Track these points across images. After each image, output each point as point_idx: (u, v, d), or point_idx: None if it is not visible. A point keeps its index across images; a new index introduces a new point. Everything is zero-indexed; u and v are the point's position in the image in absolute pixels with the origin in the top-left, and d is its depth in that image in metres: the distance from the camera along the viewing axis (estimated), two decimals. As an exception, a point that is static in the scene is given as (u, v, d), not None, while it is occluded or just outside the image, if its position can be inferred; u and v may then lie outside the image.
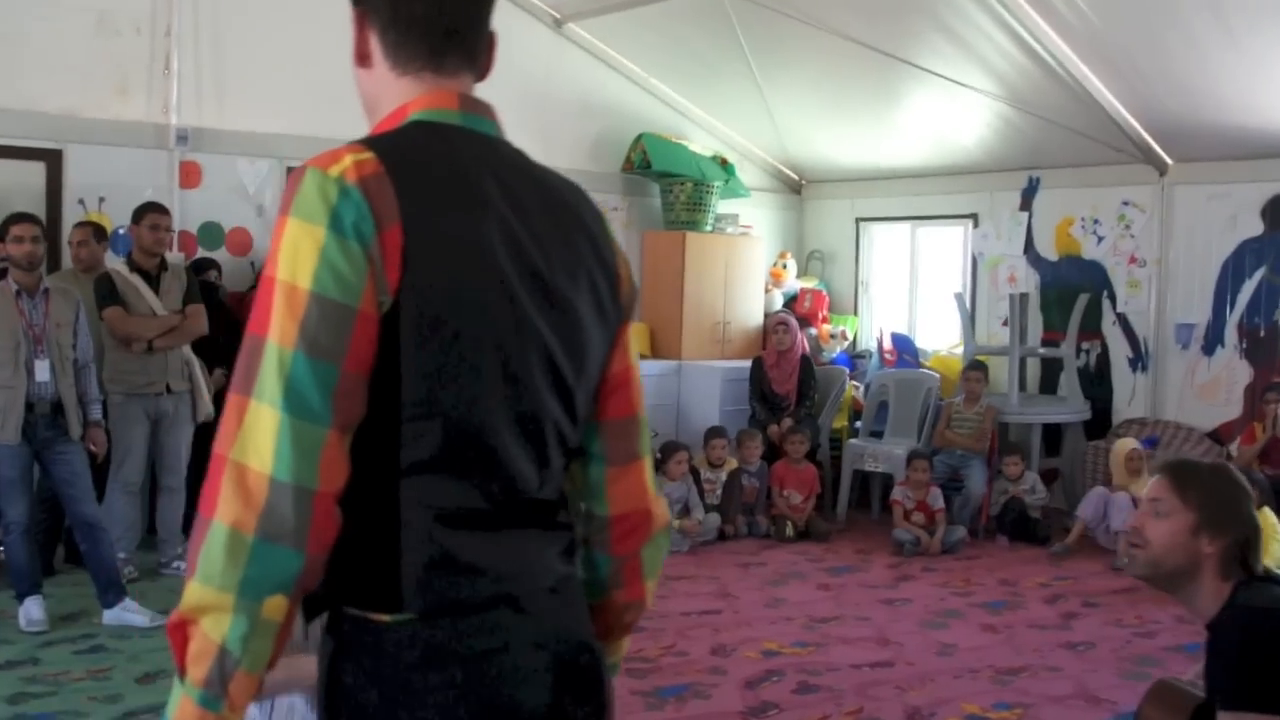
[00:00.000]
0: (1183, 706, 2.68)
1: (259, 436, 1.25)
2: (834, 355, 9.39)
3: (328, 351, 1.27)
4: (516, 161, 1.50)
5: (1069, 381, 8.25)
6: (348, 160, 1.33)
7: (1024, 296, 8.38)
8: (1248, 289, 7.66)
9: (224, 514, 1.24)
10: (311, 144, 7.27)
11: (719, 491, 7.59)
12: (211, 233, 7.12)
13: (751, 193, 9.56)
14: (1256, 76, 6.60)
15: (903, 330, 9.55)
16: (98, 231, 6.24)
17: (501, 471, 1.40)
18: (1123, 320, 8.25)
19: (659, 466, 6.92)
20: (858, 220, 9.90)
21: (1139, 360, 8.19)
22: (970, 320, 8.67)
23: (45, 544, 5.84)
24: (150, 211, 6.04)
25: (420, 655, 1.33)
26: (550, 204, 1.49)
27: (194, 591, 1.25)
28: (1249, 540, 2.53)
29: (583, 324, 1.48)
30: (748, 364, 8.58)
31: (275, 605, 1.25)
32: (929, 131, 8.56)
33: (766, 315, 9.33)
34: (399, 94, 1.48)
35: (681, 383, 8.84)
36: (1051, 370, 8.61)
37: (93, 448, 5.42)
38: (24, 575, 5.21)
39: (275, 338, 1.27)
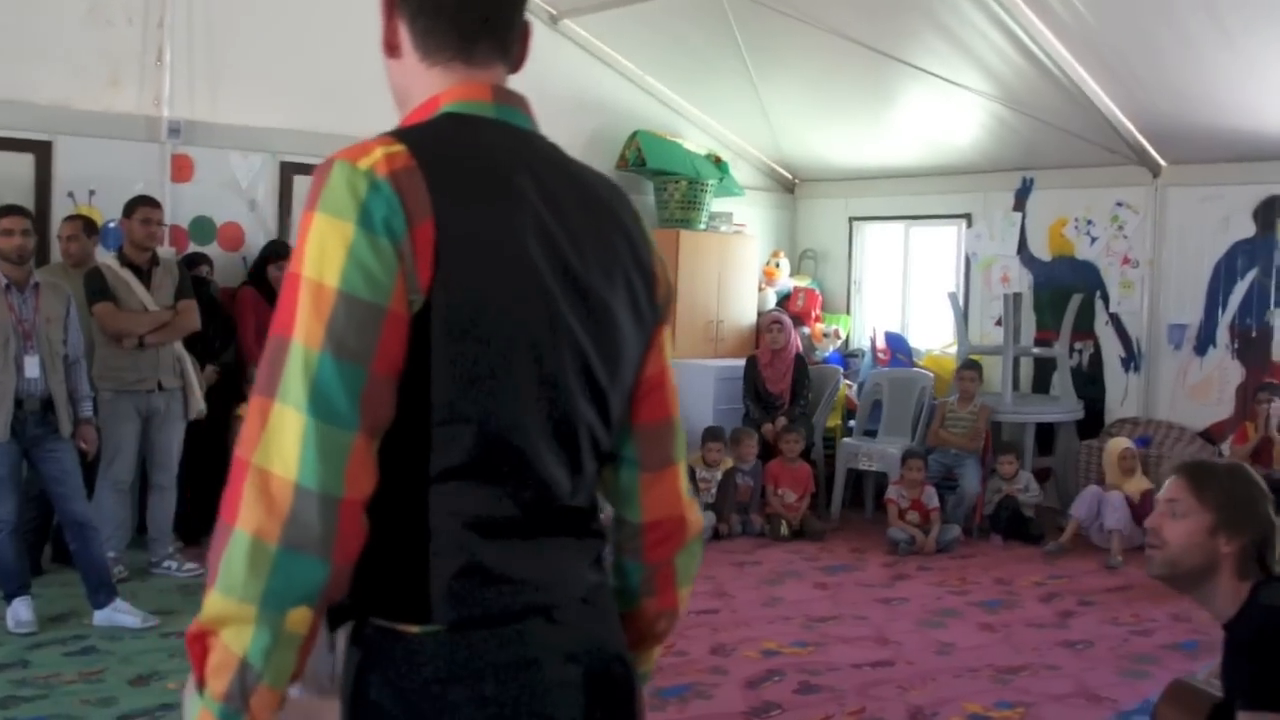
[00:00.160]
0: (1199, 707, 2.67)
1: (283, 441, 1.20)
2: (827, 354, 9.37)
3: (356, 353, 1.22)
4: (551, 155, 1.44)
5: (1062, 381, 8.25)
6: (378, 153, 1.27)
7: (1017, 296, 8.38)
8: (1239, 290, 7.68)
9: (246, 521, 1.19)
10: (305, 138, 7.30)
11: (714, 490, 7.57)
12: (203, 227, 7.04)
13: (745, 191, 9.53)
14: (1251, 78, 6.61)
15: (896, 329, 9.54)
16: (88, 225, 6.16)
17: (534, 478, 1.34)
18: (1115, 320, 8.26)
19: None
20: (851, 219, 9.89)
21: (1131, 360, 8.20)
22: (964, 320, 8.66)
23: (33, 543, 5.77)
24: (142, 205, 5.96)
25: (450, 668, 1.29)
26: (586, 200, 1.43)
27: (214, 602, 1.20)
28: (1267, 540, 2.52)
29: (618, 325, 1.43)
30: (741, 363, 8.55)
31: (299, 617, 1.20)
32: (923, 131, 8.55)
33: (760, 314, 9.31)
34: (429, 85, 1.43)
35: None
36: (1044, 370, 8.61)
37: (83, 445, 5.34)
38: (12, 575, 5.12)
39: (301, 338, 1.22)
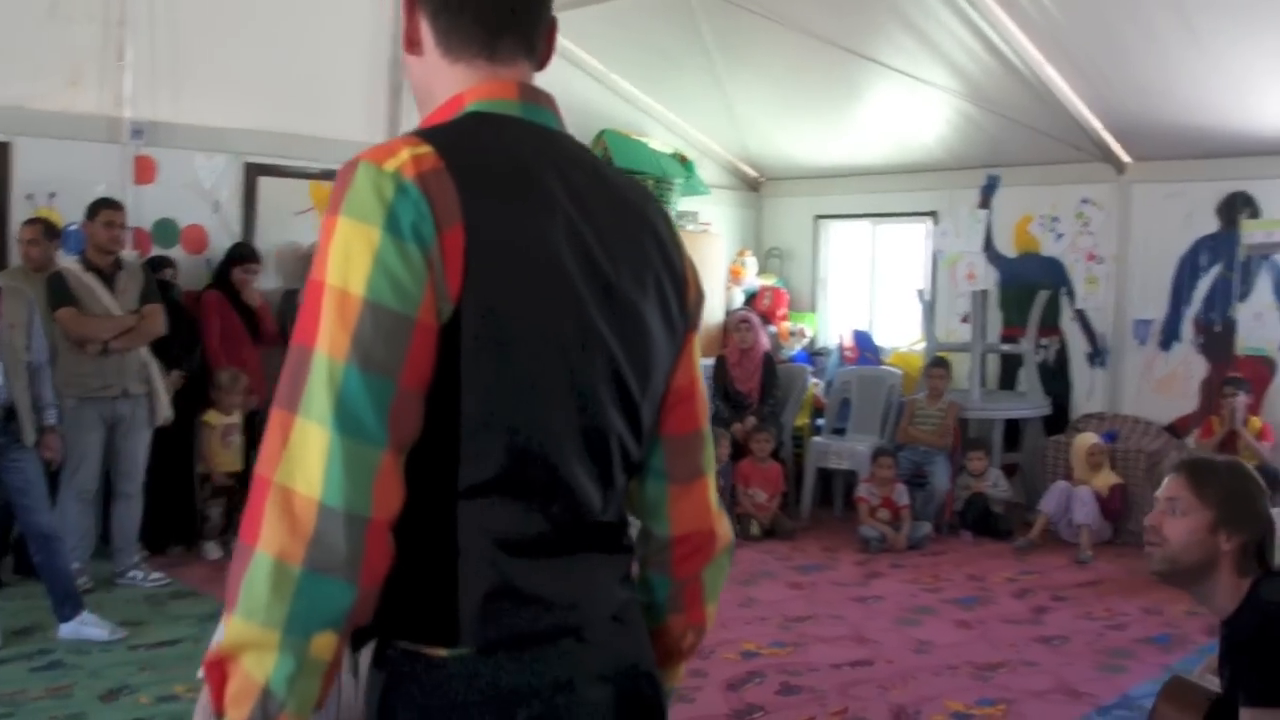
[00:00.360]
0: (1199, 703, 2.67)
1: (307, 458, 1.15)
2: (793, 353, 9.37)
3: (383, 365, 1.16)
4: (580, 156, 1.39)
5: (1029, 377, 8.30)
6: (405, 154, 1.22)
7: (984, 293, 8.42)
8: (1203, 285, 7.77)
9: (268, 543, 1.14)
10: (270, 139, 7.20)
11: (684, 490, 7.52)
12: (166, 230, 6.91)
13: (711, 190, 9.51)
14: (1215, 75, 6.67)
15: (862, 327, 9.56)
16: (49, 229, 6.01)
17: (565, 493, 1.30)
18: (1081, 316, 8.33)
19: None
20: (816, 218, 9.91)
21: (1097, 355, 8.26)
22: (931, 317, 8.70)
23: (-5, 554, 5.65)
24: (105, 208, 5.85)
25: (481, 692, 1.24)
26: (616, 202, 1.39)
27: (235, 627, 1.14)
28: (1266, 536, 2.53)
29: (650, 333, 1.38)
30: (708, 362, 8.52)
31: (324, 643, 1.15)
32: (889, 129, 8.57)
33: (727, 313, 9.30)
34: (453, 83, 1.37)
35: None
36: (1010, 366, 8.67)
37: (48, 454, 5.22)
38: (-25, 587, 5.02)
39: (325, 349, 1.16)
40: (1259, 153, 7.25)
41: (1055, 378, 8.39)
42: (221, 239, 7.08)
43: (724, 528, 1.55)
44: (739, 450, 7.91)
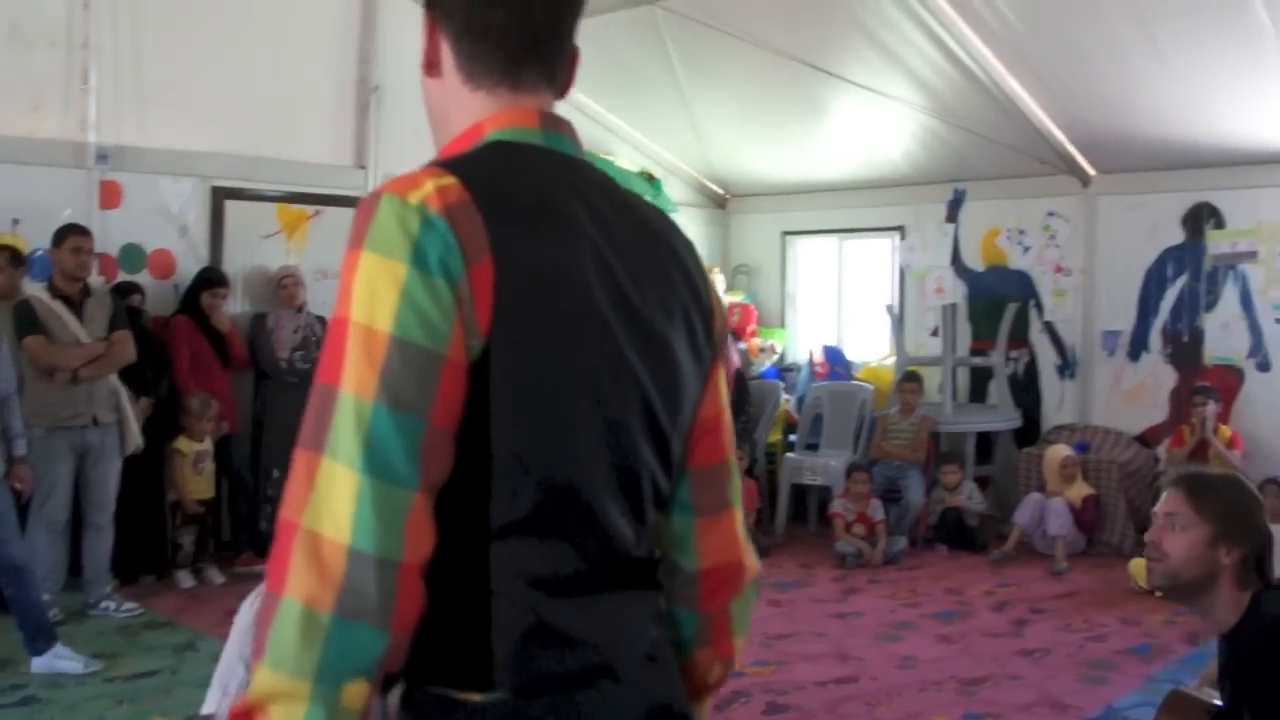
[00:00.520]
0: (1199, 717, 2.67)
1: (334, 500, 1.11)
2: (764, 369, 9.38)
3: (412, 404, 1.13)
4: (603, 185, 1.36)
5: (999, 390, 8.35)
6: (429, 186, 1.19)
7: (953, 307, 8.47)
8: (1170, 296, 7.86)
9: (296, 589, 1.09)
10: (237, 162, 7.14)
11: (660, 509, 7.50)
12: (133, 255, 6.82)
13: (678, 208, 9.48)
14: (1178, 87, 6.76)
15: (831, 343, 9.59)
16: (14, 256, 5.92)
17: (599, 530, 1.26)
18: (1050, 328, 8.40)
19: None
20: (784, 234, 9.94)
21: (1066, 367, 8.33)
22: (900, 331, 8.74)
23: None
24: (71, 234, 5.77)
25: None
26: (641, 231, 1.36)
27: (263, 677, 1.10)
28: (1265, 549, 2.54)
29: (679, 365, 1.35)
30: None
31: (355, 692, 1.11)
32: (855, 145, 8.62)
33: (697, 330, 9.27)
34: (472, 110, 1.34)
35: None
36: (980, 379, 8.72)
37: (18, 485, 5.12)
38: (-56, 622, 4.90)
39: (351, 388, 1.12)
40: (1223, 164, 7.35)
41: (1025, 390, 8.45)
42: (189, 264, 6.99)
43: (751, 559, 1.52)
44: (713, 468, 7.89)
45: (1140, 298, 7.96)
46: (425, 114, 1.43)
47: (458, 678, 1.22)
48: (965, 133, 7.86)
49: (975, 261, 8.74)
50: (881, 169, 8.84)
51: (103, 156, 6.60)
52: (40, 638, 4.97)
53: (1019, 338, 8.45)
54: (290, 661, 1.09)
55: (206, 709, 2.29)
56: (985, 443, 8.34)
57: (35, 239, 6.25)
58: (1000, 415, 8.28)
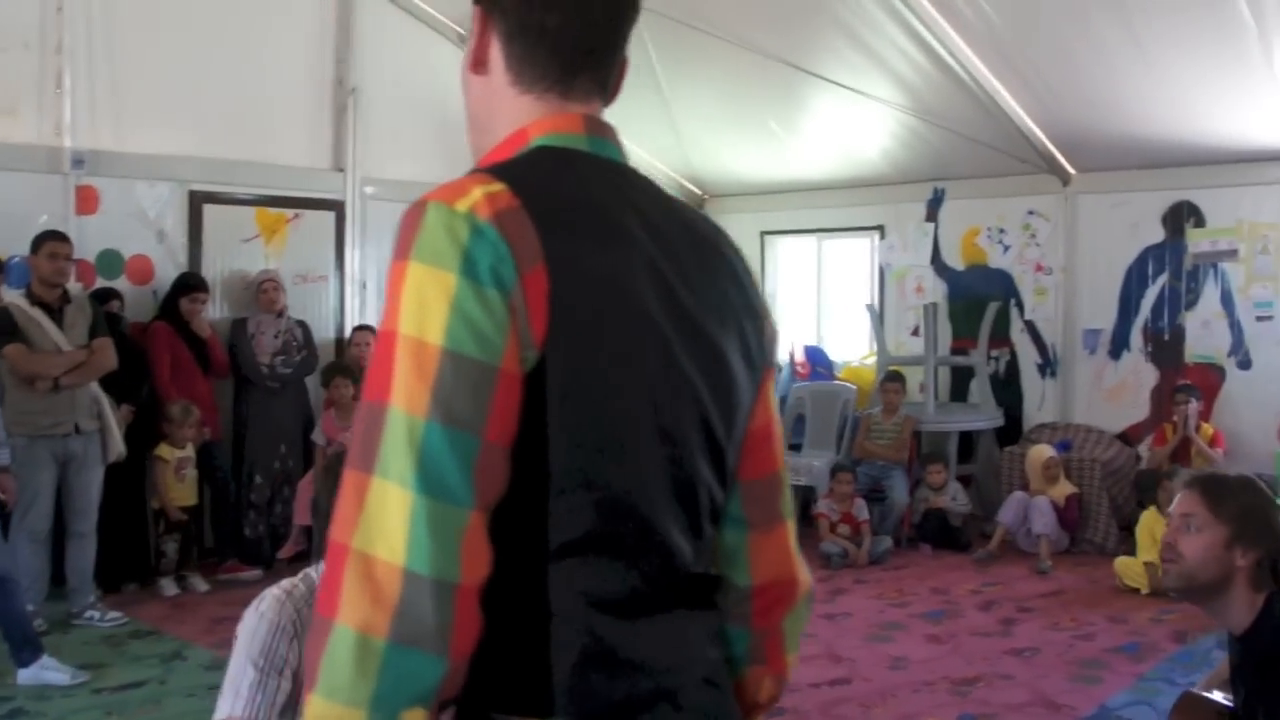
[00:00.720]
0: (1211, 718, 2.67)
1: (387, 521, 1.07)
2: (745, 369, 9.36)
3: (467, 420, 1.08)
4: (651, 190, 1.32)
5: (981, 389, 8.37)
6: (477, 193, 1.15)
7: (934, 306, 8.49)
8: (1151, 294, 7.89)
9: (349, 615, 1.05)
10: (214, 166, 7.05)
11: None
12: (110, 261, 6.74)
13: (658, 208, 9.49)
14: (1159, 85, 6.78)
15: (812, 343, 9.59)
16: (-11, 263, 5.85)
17: (658, 547, 1.22)
18: (1030, 327, 8.42)
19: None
20: (763, 234, 9.92)
21: (1048, 366, 8.36)
22: (881, 331, 8.75)
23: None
24: (49, 240, 5.69)
25: None
26: (692, 237, 1.32)
27: (317, 707, 1.06)
28: (1279, 552, 2.54)
29: (733, 374, 1.32)
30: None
31: None
32: (834, 144, 8.62)
33: (679, 331, 9.26)
34: (518, 114, 1.30)
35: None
36: (961, 378, 8.74)
37: (1, 496, 5.05)
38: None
39: (402, 404, 1.08)
40: (1203, 162, 7.38)
41: (1006, 389, 8.48)
42: (167, 269, 6.92)
43: (804, 573, 1.48)
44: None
45: (1121, 296, 7.99)
46: (466, 113, 1.38)
47: (516, 703, 1.18)
48: (945, 131, 7.87)
49: (955, 261, 8.76)
50: (861, 168, 8.85)
51: (78, 161, 6.51)
52: (26, 649, 4.91)
53: (1000, 337, 8.47)
54: (345, 691, 1.05)
55: (219, 715, 2.25)
56: (967, 442, 8.37)
57: (11, 245, 6.15)
58: (982, 414, 8.30)
